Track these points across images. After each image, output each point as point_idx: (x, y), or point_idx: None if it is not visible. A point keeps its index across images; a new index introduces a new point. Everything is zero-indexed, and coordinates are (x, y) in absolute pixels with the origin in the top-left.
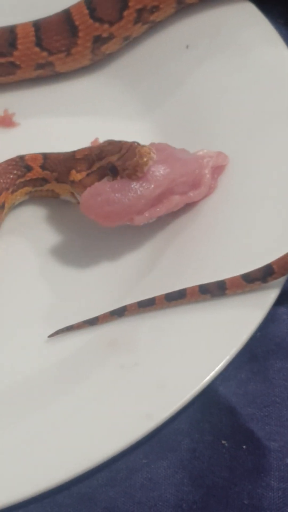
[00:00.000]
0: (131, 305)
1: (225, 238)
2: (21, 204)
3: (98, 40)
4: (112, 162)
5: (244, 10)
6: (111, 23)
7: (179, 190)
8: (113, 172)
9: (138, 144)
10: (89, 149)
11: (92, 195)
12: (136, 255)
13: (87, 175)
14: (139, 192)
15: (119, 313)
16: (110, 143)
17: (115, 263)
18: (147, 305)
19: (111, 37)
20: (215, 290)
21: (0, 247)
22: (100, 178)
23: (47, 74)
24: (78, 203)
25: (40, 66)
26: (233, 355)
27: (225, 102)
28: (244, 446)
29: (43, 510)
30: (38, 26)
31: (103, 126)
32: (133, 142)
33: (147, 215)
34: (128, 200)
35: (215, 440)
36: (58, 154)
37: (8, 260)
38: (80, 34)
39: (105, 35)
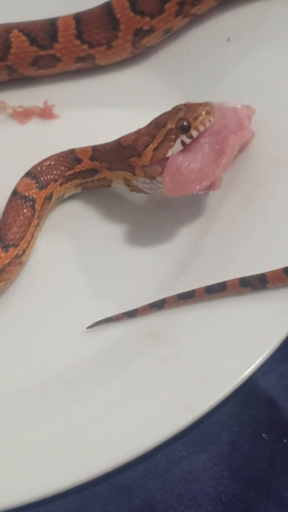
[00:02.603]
0: (170, 298)
1: (266, 231)
2: (63, 200)
3: (139, 33)
4: (181, 118)
5: (286, 3)
6: (152, 16)
7: (231, 132)
8: (184, 129)
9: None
10: (136, 133)
11: (173, 173)
12: (175, 248)
13: (155, 150)
14: (208, 145)
15: (158, 305)
16: (161, 115)
17: (154, 255)
18: (186, 298)
19: (152, 30)
20: (256, 283)
21: (43, 241)
22: (172, 142)
23: (87, 67)
24: (132, 190)
25: (80, 59)
26: (274, 348)
27: (266, 96)
28: (284, 440)
29: (82, 500)
30: (78, 19)
31: (142, 119)
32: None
33: (223, 163)
34: (203, 156)
35: (255, 433)
36: (105, 144)
37: (50, 253)
38: (121, 27)
39: (146, 28)
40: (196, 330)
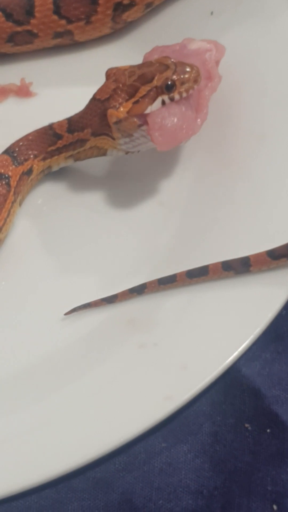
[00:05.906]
0: (151, 282)
1: (250, 212)
2: (39, 184)
3: (119, 8)
4: (169, 78)
5: None
6: None
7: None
8: (169, 88)
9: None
10: (115, 81)
11: (160, 127)
12: (155, 231)
13: (134, 103)
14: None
15: (138, 290)
16: (147, 66)
17: (134, 239)
18: (167, 282)
19: (132, 4)
20: (239, 267)
21: (23, 221)
22: (153, 100)
23: (66, 43)
24: (126, 153)
25: (58, 35)
26: (257, 334)
27: (250, 69)
28: (268, 430)
29: (58, 495)
30: None
31: None
32: (169, 58)
33: (199, 121)
34: (187, 108)
35: (237, 423)
36: (78, 112)
37: (26, 238)
38: (100, 1)
39: (126, 2)
40: (176, 317)
